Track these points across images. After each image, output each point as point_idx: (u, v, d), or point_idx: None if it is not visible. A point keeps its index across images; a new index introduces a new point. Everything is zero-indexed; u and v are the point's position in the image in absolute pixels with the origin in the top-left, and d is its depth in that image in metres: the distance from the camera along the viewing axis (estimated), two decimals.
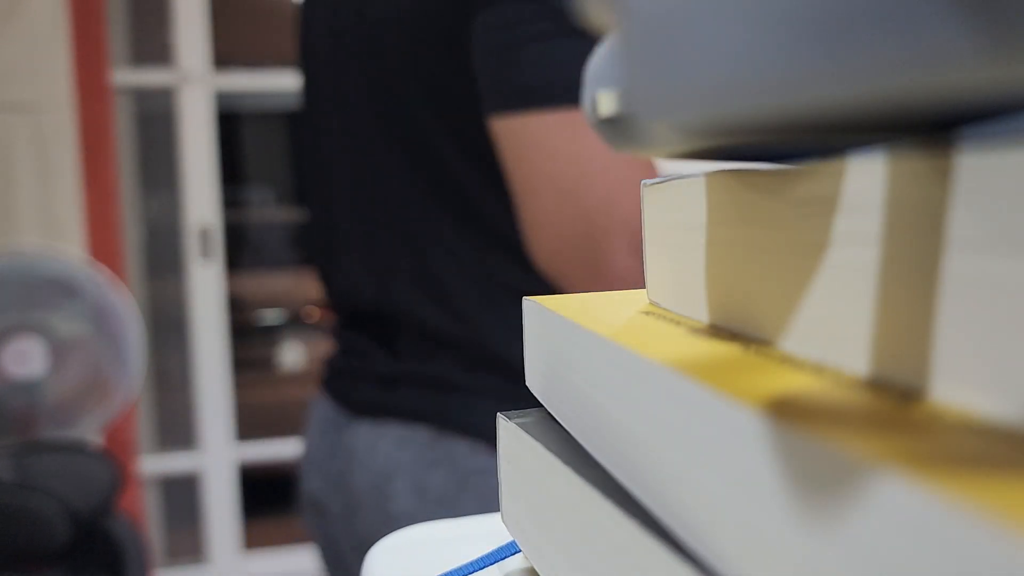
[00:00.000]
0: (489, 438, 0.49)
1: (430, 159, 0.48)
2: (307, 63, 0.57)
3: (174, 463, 1.61)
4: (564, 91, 0.42)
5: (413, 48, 0.47)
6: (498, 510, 0.49)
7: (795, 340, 0.11)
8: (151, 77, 1.55)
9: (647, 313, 0.16)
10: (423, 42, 0.46)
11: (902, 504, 0.07)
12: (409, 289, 0.51)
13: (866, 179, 0.10)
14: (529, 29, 0.42)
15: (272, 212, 2.61)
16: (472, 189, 0.48)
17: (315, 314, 2.68)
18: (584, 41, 0.43)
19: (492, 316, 0.49)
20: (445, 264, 0.49)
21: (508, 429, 0.19)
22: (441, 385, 0.50)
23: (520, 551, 0.20)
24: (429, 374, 0.50)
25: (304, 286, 2.71)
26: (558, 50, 0.42)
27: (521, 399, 0.49)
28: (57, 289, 1.04)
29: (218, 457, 1.60)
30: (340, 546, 0.54)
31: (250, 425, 1.70)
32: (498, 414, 0.19)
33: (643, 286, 0.52)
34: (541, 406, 0.18)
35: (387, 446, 0.50)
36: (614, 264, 0.42)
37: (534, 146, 0.43)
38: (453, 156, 0.47)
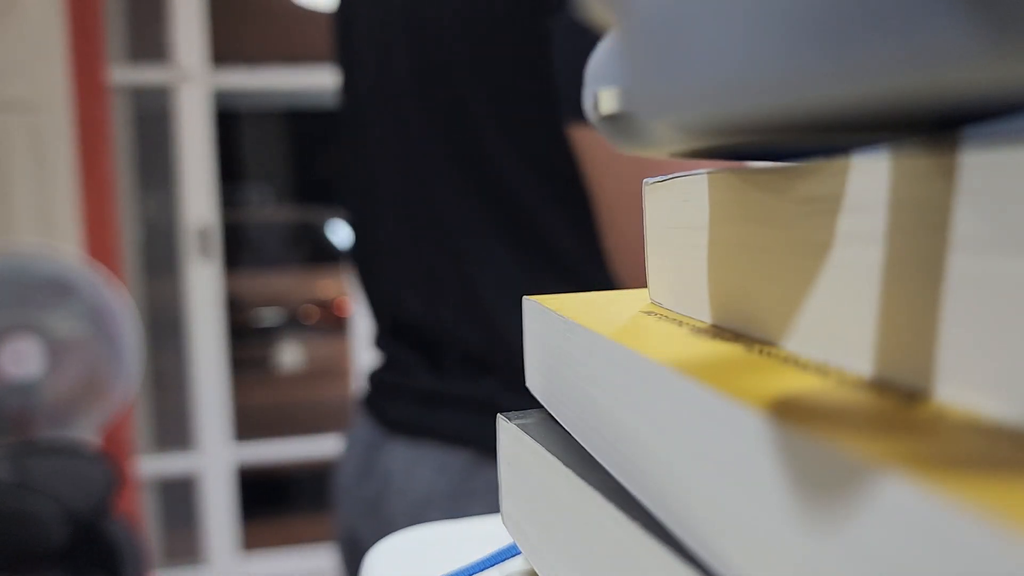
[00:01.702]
0: None
1: (487, 171, 0.46)
2: (348, 61, 0.54)
3: (172, 464, 1.60)
4: None
5: (477, 49, 0.44)
6: None
7: (798, 340, 0.11)
8: (149, 75, 1.55)
9: (649, 313, 0.16)
10: (489, 44, 0.43)
11: (906, 506, 0.07)
12: (455, 311, 0.48)
13: (870, 178, 0.10)
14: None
15: (271, 211, 2.60)
16: (532, 206, 0.45)
17: (314, 314, 2.67)
18: None
19: None
20: (494, 287, 0.46)
21: (508, 430, 0.19)
22: (485, 408, 0.47)
23: (520, 553, 0.20)
24: (473, 396, 0.48)
25: (303, 286, 2.71)
26: None
27: None
28: (54, 289, 1.04)
29: (216, 458, 1.60)
30: None
31: (248, 426, 1.70)
32: (498, 415, 0.19)
33: None
34: (542, 407, 0.18)
35: (425, 471, 0.48)
36: None
37: (624, 158, 0.40)
38: (514, 169, 0.45)
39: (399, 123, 0.49)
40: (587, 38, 0.39)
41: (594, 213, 0.44)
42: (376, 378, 0.55)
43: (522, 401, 0.50)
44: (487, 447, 0.47)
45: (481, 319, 0.47)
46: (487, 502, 0.46)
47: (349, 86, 0.55)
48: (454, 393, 0.49)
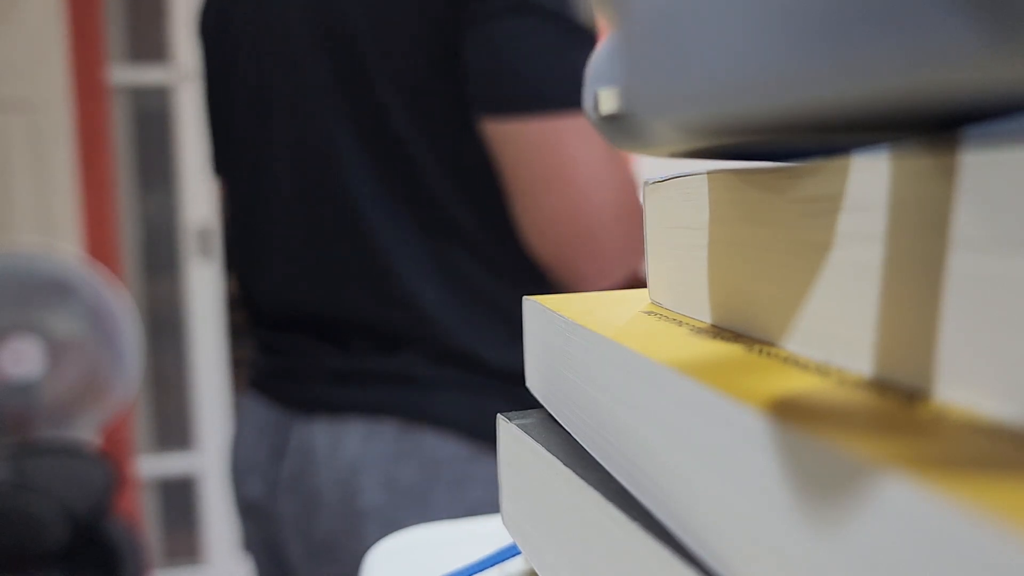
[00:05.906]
0: (457, 427, 0.49)
1: (397, 157, 0.49)
2: (227, 41, 0.56)
3: (171, 464, 1.60)
4: (571, 96, 0.45)
5: (390, 48, 0.48)
6: (469, 499, 0.49)
7: (799, 340, 0.11)
8: (149, 75, 1.54)
9: (649, 313, 0.16)
10: (402, 42, 0.47)
11: (907, 506, 0.07)
12: (362, 293, 0.50)
13: (870, 177, 0.09)
14: (528, 37, 0.45)
15: None
16: (437, 189, 0.49)
17: None
18: (582, 49, 0.46)
19: (454, 315, 0.50)
20: (402, 265, 0.49)
21: (508, 431, 0.19)
22: (404, 380, 0.50)
23: (520, 553, 0.20)
24: (390, 370, 0.50)
25: None
26: (558, 56, 0.45)
27: (487, 390, 0.50)
28: (54, 289, 1.04)
29: (216, 458, 1.60)
30: (287, 552, 0.53)
31: None
32: (498, 415, 0.19)
33: (634, 266, 0.55)
34: (541, 407, 0.18)
35: (352, 441, 0.49)
36: (608, 249, 0.48)
37: (539, 149, 0.46)
38: (424, 155, 0.48)
39: (307, 118, 0.51)
40: (504, 45, 0.45)
41: (498, 196, 0.49)
42: (270, 363, 0.56)
43: (440, 372, 0.50)
44: (412, 414, 0.49)
45: (392, 296, 0.50)
46: (418, 462, 0.49)
47: (230, 68, 0.56)
48: (370, 369, 0.51)
